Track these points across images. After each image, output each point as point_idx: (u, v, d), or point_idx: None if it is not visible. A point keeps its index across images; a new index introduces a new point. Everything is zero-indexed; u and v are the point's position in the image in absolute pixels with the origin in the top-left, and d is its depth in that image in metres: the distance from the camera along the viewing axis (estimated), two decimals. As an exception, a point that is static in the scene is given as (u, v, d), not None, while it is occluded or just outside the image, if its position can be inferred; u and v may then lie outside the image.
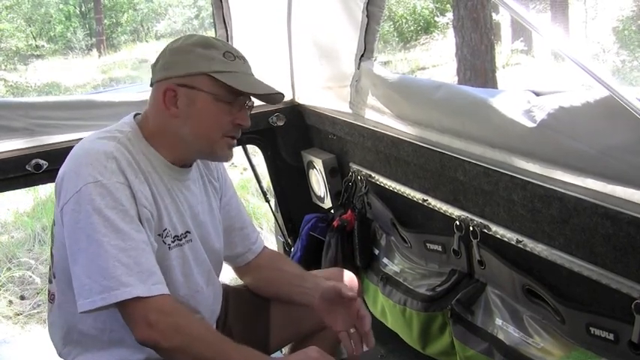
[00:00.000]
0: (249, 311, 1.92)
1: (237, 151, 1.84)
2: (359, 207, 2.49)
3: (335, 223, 2.50)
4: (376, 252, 2.45)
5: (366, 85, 2.37)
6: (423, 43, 16.06)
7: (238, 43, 2.57)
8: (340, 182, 2.64)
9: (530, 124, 1.59)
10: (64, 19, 23.18)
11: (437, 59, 13.76)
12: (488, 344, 1.82)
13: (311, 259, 2.59)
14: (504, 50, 13.18)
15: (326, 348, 1.58)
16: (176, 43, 1.60)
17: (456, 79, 8.58)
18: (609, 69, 11.33)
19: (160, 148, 1.59)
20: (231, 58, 1.56)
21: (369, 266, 2.45)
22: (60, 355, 1.65)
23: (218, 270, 1.81)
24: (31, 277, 4.60)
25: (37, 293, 4.41)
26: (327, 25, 2.58)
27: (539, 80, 10.88)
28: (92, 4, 22.73)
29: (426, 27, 16.38)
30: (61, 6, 23.34)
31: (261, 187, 2.98)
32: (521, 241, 1.71)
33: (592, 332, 1.52)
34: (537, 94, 1.66)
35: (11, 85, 15.42)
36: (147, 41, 23.01)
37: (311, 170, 2.80)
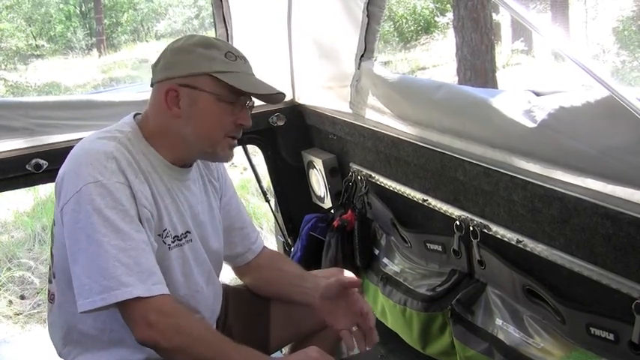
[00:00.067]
0: (249, 311, 1.92)
1: (238, 151, 1.84)
2: (359, 207, 2.49)
3: (335, 223, 2.50)
4: (376, 252, 2.45)
5: (367, 85, 2.37)
6: (423, 43, 16.06)
7: (238, 43, 2.57)
8: (340, 182, 2.64)
9: (530, 124, 1.59)
10: (64, 18, 23.18)
11: (437, 59, 13.76)
12: (488, 344, 1.82)
13: (311, 259, 2.59)
14: (504, 50, 13.18)
15: (326, 348, 1.58)
16: (177, 44, 1.60)
17: (456, 79, 8.58)
18: (609, 69, 11.33)
19: (160, 148, 1.59)
20: (233, 58, 1.57)
21: (369, 266, 2.45)
22: (60, 355, 1.65)
23: (218, 270, 1.81)
24: (30, 277, 4.60)
25: (37, 293, 4.41)
26: (328, 24, 2.58)
27: (540, 80, 10.88)
28: (92, 3, 22.72)
29: (427, 27, 16.37)
30: (61, 6, 23.34)
31: (261, 187, 2.98)
32: (521, 241, 1.71)
33: (592, 332, 1.52)
34: (537, 94, 1.66)
35: (11, 85, 15.42)
36: (147, 41, 23.01)
37: (311, 170, 2.80)
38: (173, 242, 1.59)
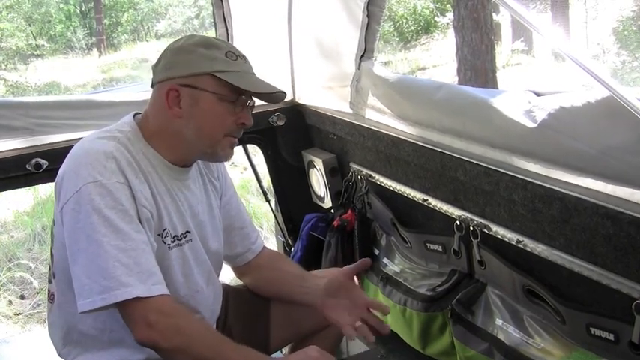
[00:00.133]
0: (249, 311, 1.92)
1: (238, 150, 1.83)
2: (359, 207, 2.49)
3: (335, 223, 2.50)
4: (376, 252, 2.45)
5: (367, 85, 2.37)
6: (423, 43, 16.06)
7: (239, 43, 2.57)
8: (340, 182, 2.64)
9: (530, 125, 1.59)
10: (64, 18, 23.17)
11: (437, 59, 13.76)
12: (488, 344, 1.82)
13: (311, 259, 2.59)
14: (505, 50, 13.18)
15: (326, 348, 1.58)
16: (177, 44, 1.60)
17: (457, 79, 8.58)
18: (609, 69, 11.33)
19: (159, 148, 1.59)
20: (233, 57, 1.57)
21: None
22: (60, 354, 1.65)
23: (218, 270, 1.81)
24: (29, 278, 4.60)
25: (37, 293, 4.41)
26: (328, 24, 2.58)
27: (540, 80, 10.88)
28: (92, 3, 22.71)
29: (427, 27, 16.37)
30: (61, 5, 23.33)
31: (261, 187, 2.98)
32: (521, 241, 1.71)
33: (592, 332, 1.52)
34: (538, 95, 1.66)
35: (11, 85, 15.42)
36: (147, 41, 23.00)
37: (311, 170, 2.80)
38: (173, 242, 1.59)
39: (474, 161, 1.79)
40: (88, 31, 22.82)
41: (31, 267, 4.81)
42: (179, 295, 1.60)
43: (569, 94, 1.53)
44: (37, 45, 21.15)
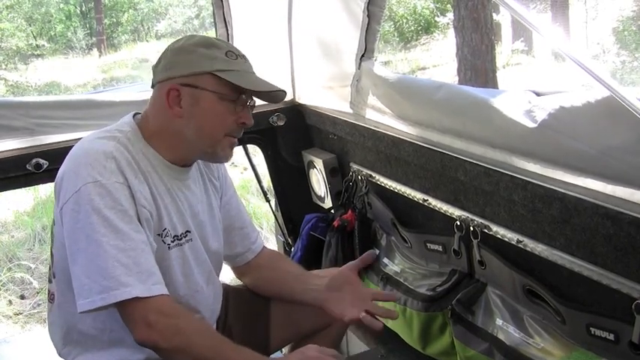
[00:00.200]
0: (249, 311, 1.92)
1: (238, 150, 1.84)
2: (359, 207, 2.49)
3: (335, 223, 2.50)
4: (376, 252, 2.45)
5: (367, 85, 2.37)
6: (423, 43, 16.06)
7: (239, 43, 2.57)
8: (341, 182, 2.64)
9: (530, 125, 1.59)
10: (64, 18, 23.17)
11: (437, 59, 13.77)
12: (488, 344, 1.82)
13: (311, 259, 2.59)
14: (505, 50, 13.19)
15: (327, 347, 1.58)
16: (178, 44, 1.60)
17: (457, 79, 8.58)
18: (609, 69, 11.33)
19: (159, 147, 1.59)
20: (234, 57, 1.57)
21: (369, 266, 2.44)
22: (60, 354, 1.65)
23: (218, 270, 1.81)
24: (29, 278, 4.60)
25: (37, 293, 4.41)
26: (328, 24, 2.58)
27: (540, 80, 10.88)
28: (92, 3, 22.72)
29: (427, 27, 16.38)
30: (61, 5, 23.34)
31: (261, 187, 2.98)
32: (521, 242, 1.71)
33: (592, 332, 1.52)
34: (538, 95, 1.66)
35: (12, 85, 15.43)
36: (147, 41, 23.01)
37: (311, 170, 2.80)
38: (173, 242, 1.59)
39: (474, 161, 1.79)
40: (88, 31, 22.83)
41: (31, 267, 4.81)
42: (179, 295, 1.60)
43: (569, 94, 1.53)
44: (37, 45, 21.16)
